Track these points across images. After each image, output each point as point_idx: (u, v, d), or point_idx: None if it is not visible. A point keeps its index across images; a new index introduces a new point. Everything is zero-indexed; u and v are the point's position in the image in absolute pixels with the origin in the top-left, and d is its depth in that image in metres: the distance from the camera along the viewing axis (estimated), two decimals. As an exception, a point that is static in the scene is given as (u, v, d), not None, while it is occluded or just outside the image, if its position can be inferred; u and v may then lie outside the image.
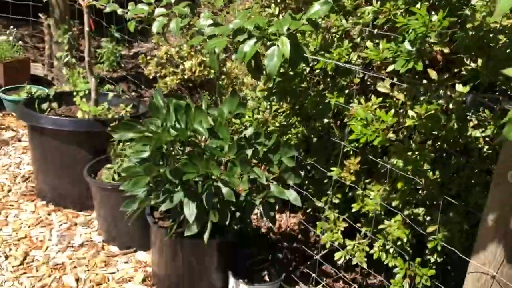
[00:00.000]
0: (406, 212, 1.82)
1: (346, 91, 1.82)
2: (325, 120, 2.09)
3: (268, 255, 2.21)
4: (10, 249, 2.40)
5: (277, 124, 2.30)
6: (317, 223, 2.11)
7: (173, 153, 1.87)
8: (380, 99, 1.76)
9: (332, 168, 1.92)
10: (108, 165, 2.57)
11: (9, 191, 2.93)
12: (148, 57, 3.90)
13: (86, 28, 2.80)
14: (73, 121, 2.64)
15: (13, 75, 4.26)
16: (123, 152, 2.56)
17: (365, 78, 1.89)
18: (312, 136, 2.18)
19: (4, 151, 3.42)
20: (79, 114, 2.68)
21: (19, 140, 3.61)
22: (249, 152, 1.91)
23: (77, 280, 2.23)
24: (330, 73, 1.75)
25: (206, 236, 1.80)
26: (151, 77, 3.84)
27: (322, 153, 2.12)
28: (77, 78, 4.09)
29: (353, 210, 1.90)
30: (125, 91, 4.92)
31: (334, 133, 2.07)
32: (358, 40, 1.89)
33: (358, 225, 2.07)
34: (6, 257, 2.33)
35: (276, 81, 2.04)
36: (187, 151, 1.86)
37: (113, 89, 3.25)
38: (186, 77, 3.70)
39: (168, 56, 3.76)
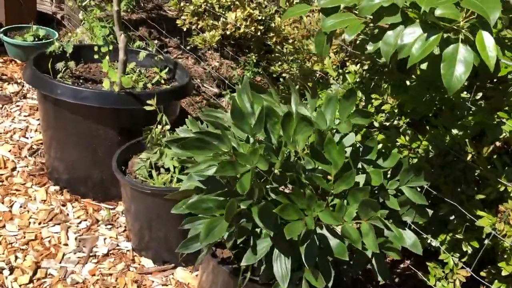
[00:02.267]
0: None
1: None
2: (457, 131, 1.50)
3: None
4: (16, 258, 1.88)
5: (376, 124, 1.72)
6: (429, 267, 1.59)
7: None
8: None
9: (479, 213, 1.35)
10: (143, 155, 1.99)
11: (13, 169, 2.37)
12: (182, 3, 3.22)
13: (117, -32, 2.12)
14: (97, 95, 2.02)
15: (16, 12, 3.58)
16: (163, 140, 1.98)
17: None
18: (430, 148, 1.60)
19: (7, 111, 2.82)
20: (106, 84, 2.06)
21: (25, 97, 3.00)
22: (361, 179, 1.35)
23: (104, 309, 1.73)
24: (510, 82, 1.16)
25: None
26: (184, 28, 3.19)
27: (446, 177, 1.55)
28: (93, 21, 3.43)
29: (503, 274, 1.36)
30: (147, 37, 4.24)
31: (469, 152, 1.49)
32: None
33: (483, 273, 1.55)
34: (11, 270, 1.82)
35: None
36: (280, 177, 1.28)
37: (144, 45, 2.60)
38: (228, 32, 3.05)
39: (208, 4, 3.08)
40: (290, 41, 2.98)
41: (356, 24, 1.10)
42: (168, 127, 2.04)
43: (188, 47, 4.04)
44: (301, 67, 2.49)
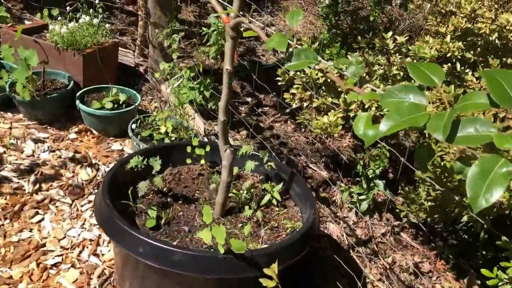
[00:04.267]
0: None
1: None
2: None
3: None
4: None
5: None
6: None
7: None
8: None
9: None
10: None
11: (78, 313, 1.81)
12: (291, 72, 2.55)
13: (227, 67, 1.49)
14: (194, 260, 1.39)
15: (96, 68, 3.10)
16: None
17: None
18: None
19: (76, 210, 2.30)
20: (206, 237, 1.42)
21: (99, 186, 2.48)
22: None
23: None
24: None
25: None
26: (293, 105, 2.52)
27: None
28: (177, 81, 2.87)
29: None
30: (239, 94, 3.63)
31: None
32: None
33: None
34: None
35: None
36: None
37: (252, 150, 1.95)
38: (351, 114, 2.35)
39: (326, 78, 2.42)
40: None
41: None
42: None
43: (287, 110, 3.40)
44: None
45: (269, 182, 1.95)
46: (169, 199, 1.81)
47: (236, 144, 2.88)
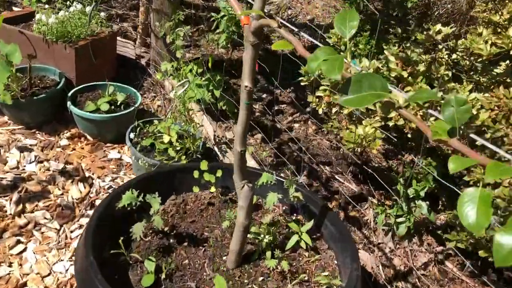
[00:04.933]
0: None
1: None
2: None
3: None
4: None
5: None
6: None
7: None
8: None
9: None
10: None
11: None
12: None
13: (246, 84, 1.11)
14: None
15: (90, 62, 2.72)
16: None
17: None
18: None
19: (65, 238, 1.95)
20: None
21: (92, 205, 2.13)
22: None
23: None
24: None
25: None
26: (320, 110, 2.14)
27: None
28: (188, 91, 2.47)
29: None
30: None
31: None
32: None
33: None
34: None
35: None
36: None
37: (274, 179, 1.56)
38: (391, 124, 1.97)
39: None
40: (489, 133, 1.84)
41: None
42: None
43: (308, 108, 3.01)
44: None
45: (295, 215, 1.59)
46: (171, 241, 1.45)
47: (250, 150, 2.50)
